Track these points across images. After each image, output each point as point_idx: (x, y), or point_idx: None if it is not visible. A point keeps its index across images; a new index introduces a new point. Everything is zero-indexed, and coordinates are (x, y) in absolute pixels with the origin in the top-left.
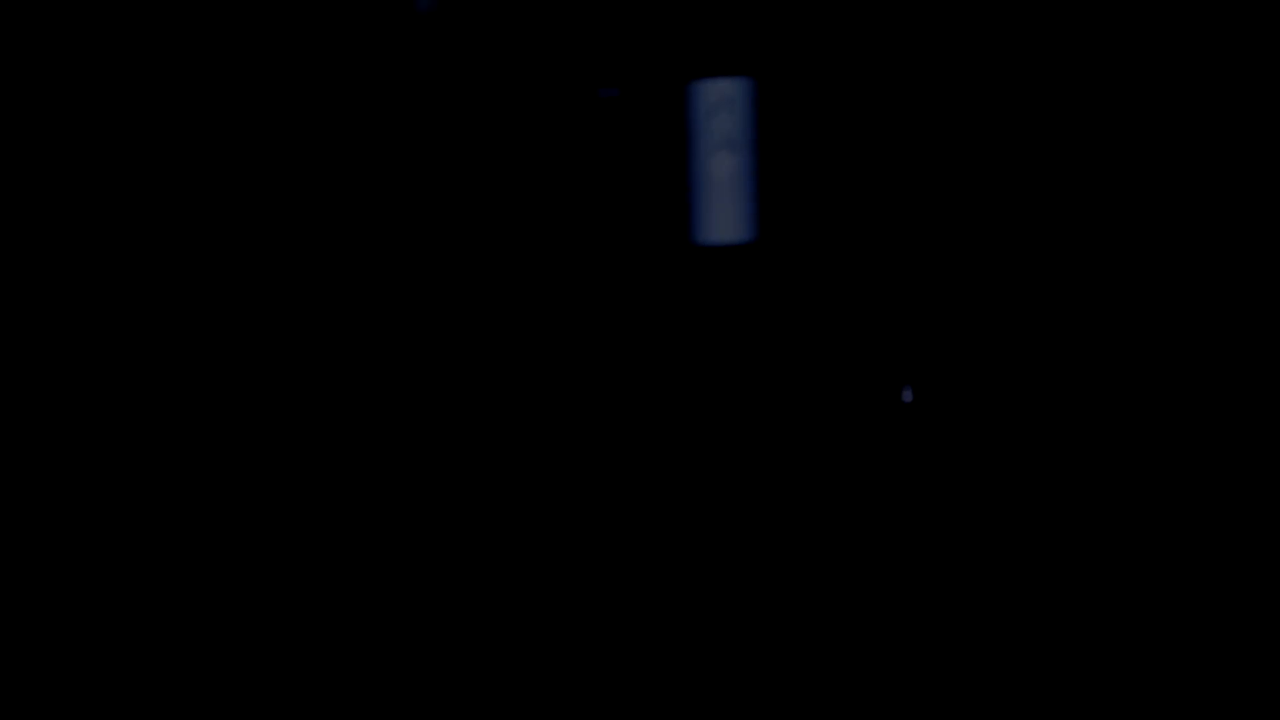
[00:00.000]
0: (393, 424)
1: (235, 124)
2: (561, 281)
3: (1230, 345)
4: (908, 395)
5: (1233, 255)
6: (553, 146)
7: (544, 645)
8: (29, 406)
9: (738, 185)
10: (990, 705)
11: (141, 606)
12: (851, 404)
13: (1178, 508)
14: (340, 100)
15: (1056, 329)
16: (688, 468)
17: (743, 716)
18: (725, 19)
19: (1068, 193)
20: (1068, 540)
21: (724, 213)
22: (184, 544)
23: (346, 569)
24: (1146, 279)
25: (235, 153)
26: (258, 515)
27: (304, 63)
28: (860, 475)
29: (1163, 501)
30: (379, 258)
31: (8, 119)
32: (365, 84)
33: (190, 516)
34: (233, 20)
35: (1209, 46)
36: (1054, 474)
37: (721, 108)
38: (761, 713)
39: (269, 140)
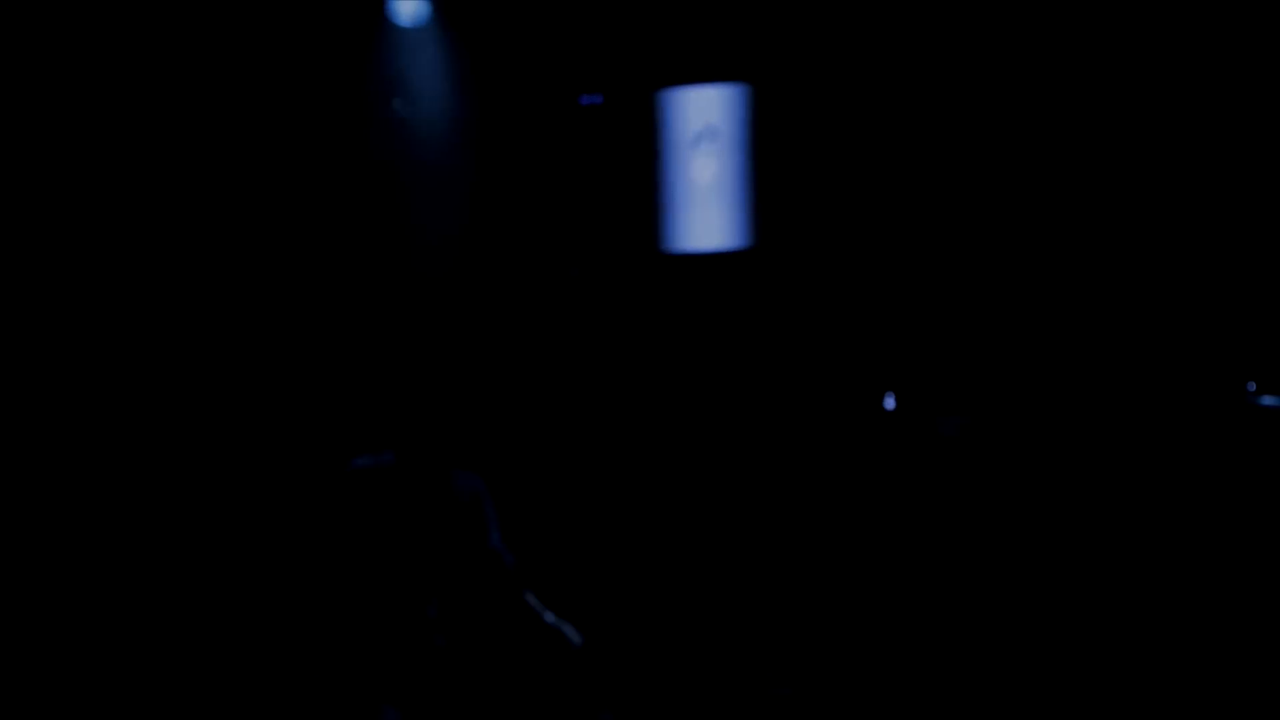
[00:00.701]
0: (360, 424)
1: (212, 129)
2: (550, 286)
3: (1217, 349)
4: (890, 402)
5: (1221, 260)
6: (533, 154)
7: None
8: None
9: (720, 192)
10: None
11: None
12: (834, 411)
13: (1165, 510)
14: (325, 107)
15: (1040, 339)
16: (668, 473)
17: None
18: (708, 28)
19: (1057, 202)
20: (1048, 541)
21: (706, 219)
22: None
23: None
24: (1129, 291)
25: (212, 159)
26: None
27: (289, 70)
28: (843, 482)
29: (1148, 504)
30: (361, 260)
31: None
32: (347, 90)
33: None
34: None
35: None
36: (1037, 479)
37: (705, 115)
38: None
39: (244, 144)
